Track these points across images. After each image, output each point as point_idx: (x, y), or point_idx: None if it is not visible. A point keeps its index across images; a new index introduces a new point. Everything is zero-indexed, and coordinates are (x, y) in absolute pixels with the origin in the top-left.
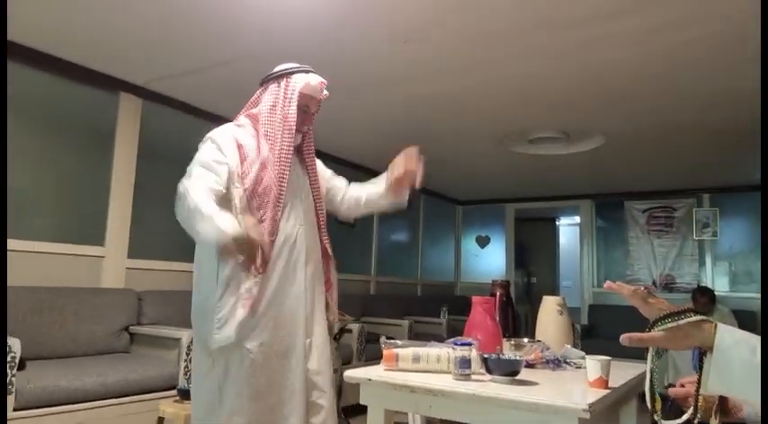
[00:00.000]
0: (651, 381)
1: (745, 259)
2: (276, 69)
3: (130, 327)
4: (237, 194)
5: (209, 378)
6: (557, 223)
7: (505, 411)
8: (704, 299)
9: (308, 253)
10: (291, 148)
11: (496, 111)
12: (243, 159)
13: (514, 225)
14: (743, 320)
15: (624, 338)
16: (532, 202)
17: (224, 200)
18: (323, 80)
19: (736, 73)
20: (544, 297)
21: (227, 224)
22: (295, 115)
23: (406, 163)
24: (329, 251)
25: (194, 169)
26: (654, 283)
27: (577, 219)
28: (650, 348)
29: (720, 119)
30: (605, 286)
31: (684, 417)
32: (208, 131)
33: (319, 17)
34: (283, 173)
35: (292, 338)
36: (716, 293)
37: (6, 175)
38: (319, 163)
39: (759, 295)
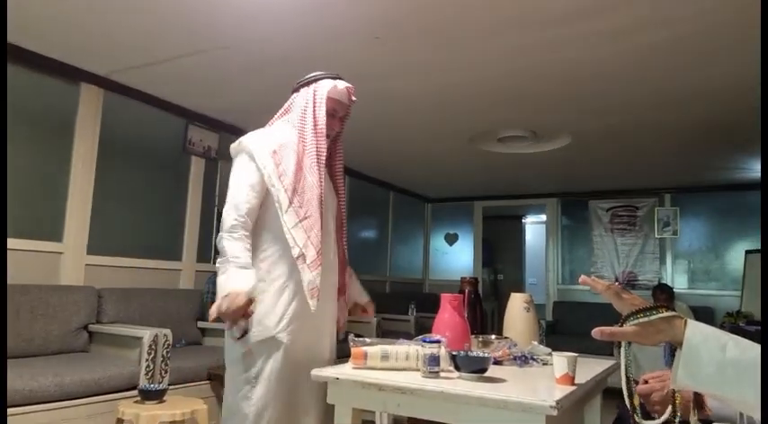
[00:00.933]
0: (627, 376)
1: (704, 257)
2: (306, 76)
3: (90, 325)
4: (280, 194)
5: (246, 370)
6: (523, 221)
7: (474, 409)
8: (664, 296)
9: (332, 257)
10: (325, 151)
11: (466, 110)
12: (278, 163)
13: (482, 223)
14: (700, 316)
15: (596, 331)
16: (500, 200)
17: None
18: (350, 85)
19: (702, 74)
20: (512, 294)
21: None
22: (324, 118)
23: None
24: (347, 257)
25: (230, 207)
26: (616, 280)
27: (543, 217)
28: (623, 343)
29: (683, 120)
30: (580, 280)
31: (664, 416)
32: (172, 124)
33: (290, 10)
34: (322, 175)
35: (321, 335)
36: (675, 290)
37: (6, 175)
38: None
39: (715, 293)
